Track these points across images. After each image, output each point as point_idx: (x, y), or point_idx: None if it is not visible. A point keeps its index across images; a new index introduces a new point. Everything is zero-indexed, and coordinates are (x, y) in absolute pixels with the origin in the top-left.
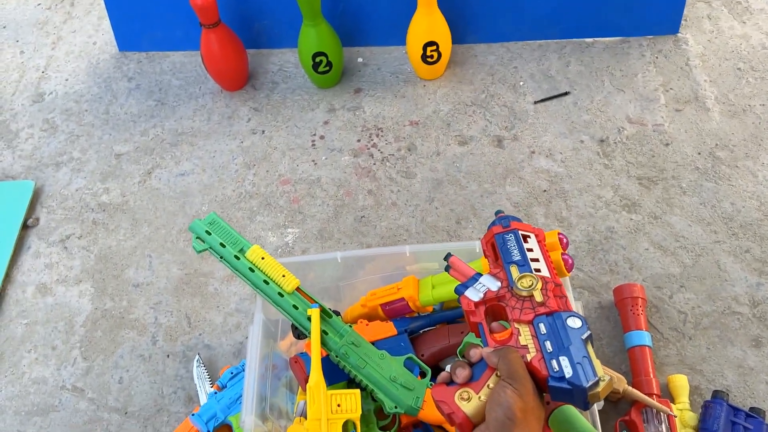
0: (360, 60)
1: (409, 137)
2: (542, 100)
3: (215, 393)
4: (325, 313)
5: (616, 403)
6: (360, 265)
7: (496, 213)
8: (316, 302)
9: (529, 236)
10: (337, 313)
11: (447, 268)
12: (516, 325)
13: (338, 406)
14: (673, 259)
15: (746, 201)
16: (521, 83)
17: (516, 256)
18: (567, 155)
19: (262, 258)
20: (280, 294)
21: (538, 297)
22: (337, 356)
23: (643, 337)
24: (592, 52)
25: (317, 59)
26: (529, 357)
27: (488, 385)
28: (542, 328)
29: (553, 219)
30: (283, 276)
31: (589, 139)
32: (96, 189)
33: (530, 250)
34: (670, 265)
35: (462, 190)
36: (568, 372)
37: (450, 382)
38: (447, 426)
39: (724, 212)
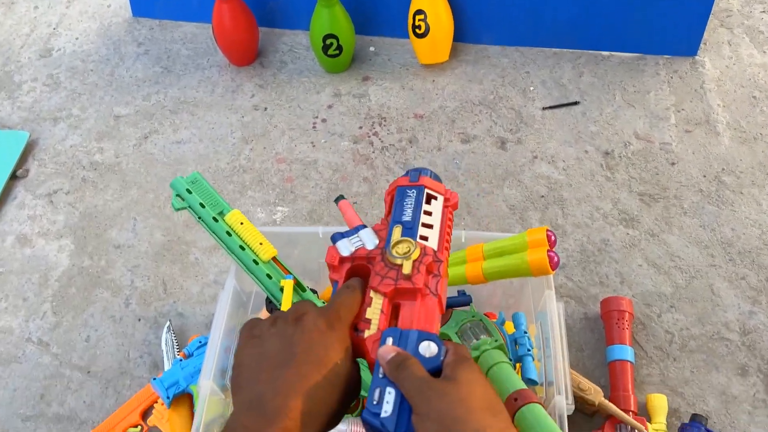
0: (372, 49)
1: (411, 129)
2: (551, 107)
3: (180, 360)
4: (299, 286)
5: (591, 415)
6: None
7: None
8: (291, 274)
9: (435, 197)
10: (315, 292)
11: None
12: (371, 294)
13: None
14: (666, 278)
15: (747, 228)
16: (531, 88)
17: (407, 216)
18: (569, 164)
19: (241, 223)
20: (255, 261)
21: (406, 268)
22: None
23: (625, 352)
24: (606, 65)
25: (328, 41)
26: (366, 333)
27: None
28: (389, 343)
29: (547, 225)
30: (261, 244)
31: (594, 150)
32: (90, 147)
33: (428, 213)
34: (662, 283)
35: (459, 187)
36: (386, 411)
37: None
38: None
39: (724, 237)
